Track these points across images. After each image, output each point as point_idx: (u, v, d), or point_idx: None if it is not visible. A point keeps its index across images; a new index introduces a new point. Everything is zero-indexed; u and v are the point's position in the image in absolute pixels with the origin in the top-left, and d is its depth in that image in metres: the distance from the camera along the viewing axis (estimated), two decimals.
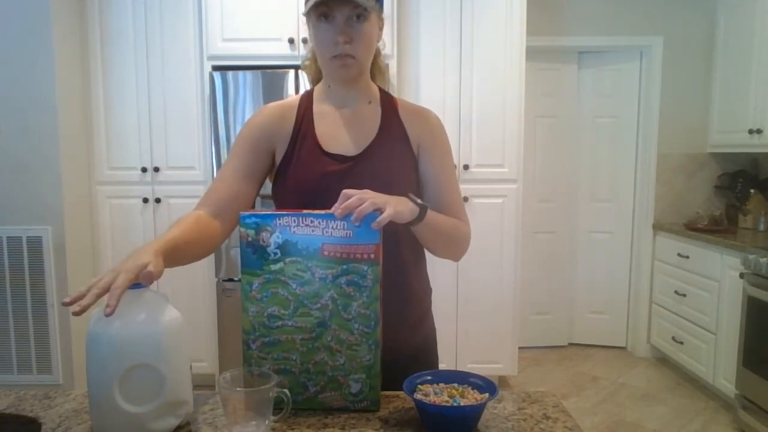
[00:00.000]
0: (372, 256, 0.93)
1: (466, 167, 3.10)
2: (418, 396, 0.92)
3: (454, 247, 1.19)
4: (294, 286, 0.94)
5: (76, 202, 2.98)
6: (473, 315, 3.17)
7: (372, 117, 1.19)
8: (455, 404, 0.89)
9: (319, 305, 0.94)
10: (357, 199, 0.92)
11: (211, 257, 3.03)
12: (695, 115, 3.75)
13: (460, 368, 3.18)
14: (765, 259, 2.63)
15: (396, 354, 1.12)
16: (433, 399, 0.91)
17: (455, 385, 0.96)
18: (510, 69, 3.06)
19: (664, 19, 3.70)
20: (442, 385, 0.96)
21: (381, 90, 1.25)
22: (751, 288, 2.71)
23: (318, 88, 1.23)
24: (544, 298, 3.99)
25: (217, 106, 2.90)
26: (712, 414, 3.01)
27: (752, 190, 3.47)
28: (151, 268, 0.83)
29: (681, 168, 3.78)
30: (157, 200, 3.09)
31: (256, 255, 0.95)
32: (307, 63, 1.26)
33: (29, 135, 2.81)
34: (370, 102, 1.21)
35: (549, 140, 3.92)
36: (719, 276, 3.04)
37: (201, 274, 3.07)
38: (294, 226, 0.93)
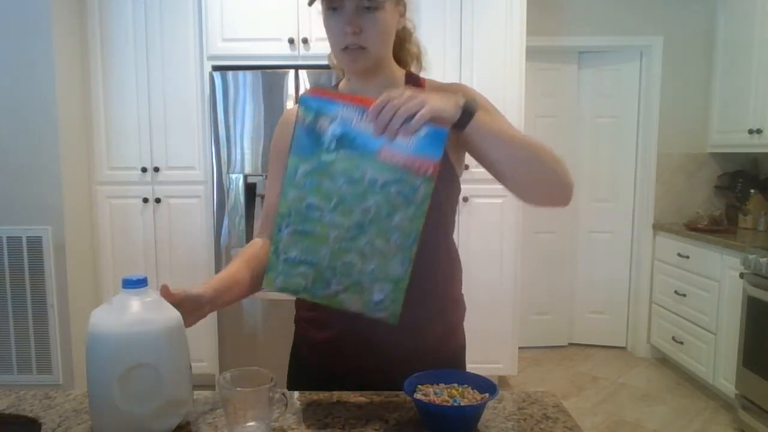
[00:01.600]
0: (429, 171, 0.87)
1: (466, 167, 3.09)
2: (418, 396, 0.92)
3: (540, 169, 1.00)
4: (341, 181, 0.89)
5: (76, 202, 2.98)
6: (473, 315, 3.15)
7: None
8: (455, 404, 0.89)
9: (362, 207, 0.89)
10: (390, 108, 0.85)
11: (211, 257, 3.03)
12: (695, 115, 3.74)
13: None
14: (765, 259, 2.63)
15: (416, 365, 1.01)
16: (433, 399, 0.91)
17: (455, 385, 0.96)
18: (510, 69, 3.06)
19: (664, 19, 3.70)
20: (442, 385, 0.96)
21: (408, 75, 1.17)
22: (751, 288, 2.71)
23: (343, 82, 1.19)
24: (544, 298, 3.99)
25: (217, 106, 2.90)
26: (712, 414, 3.01)
27: (752, 190, 3.47)
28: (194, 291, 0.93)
29: (681, 168, 3.78)
30: (157, 200, 3.09)
31: (310, 140, 0.88)
32: (332, 56, 1.18)
33: (29, 135, 2.81)
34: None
35: (549, 140, 3.89)
36: (719, 276, 3.04)
37: (201, 274, 3.06)
38: (357, 121, 0.87)
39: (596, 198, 4.00)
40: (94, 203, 3.11)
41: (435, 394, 0.93)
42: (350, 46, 1.03)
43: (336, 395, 1.04)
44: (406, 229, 0.89)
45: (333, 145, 0.87)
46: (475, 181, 3.12)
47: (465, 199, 3.11)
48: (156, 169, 3.08)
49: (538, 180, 1.02)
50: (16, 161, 2.81)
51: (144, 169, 3.08)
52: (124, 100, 3.06)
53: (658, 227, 3.73)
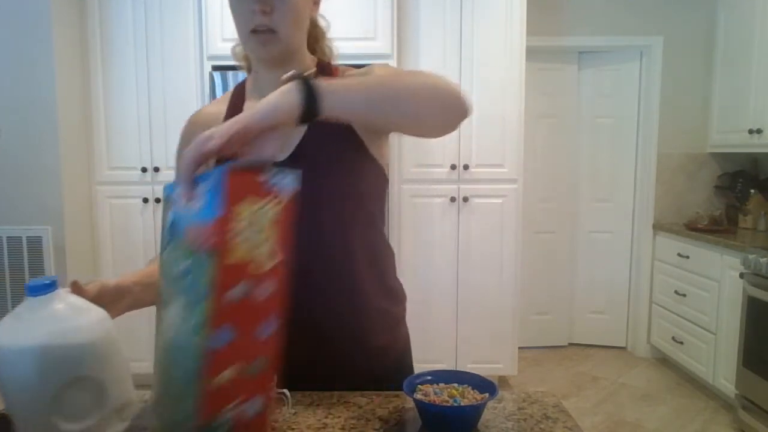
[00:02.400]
0: (207, 243, 0.61)
1: (466, 167, 3.10)
2: (418, 396, 0.92)
3: (414, 105, 0.84)
4: (163, 282, 0.70)
5: (76, 202, 2.98)
6: (473, 315, 3.17)
7: None
8: (455, 404, 0.89)
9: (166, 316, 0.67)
10: (181, 162, 0.67)
11: None
12: (695, 115, 3.75)
13: (460, 368, 3.18)
14: (765, 259, 2.63)
15: (368, 381, 1.01)
16: (433, 399, 0.91)
17: (455, 385, 0.96)
18: (510, 69, 3.06)
19: (664, 19, 3.70)
20: (442, 385, 0.96)
21: (320, 65, 1.05)
22: (751, 288, 2.71)
23: (249, 78, 1.08)
24: (544, 298, 3.99)
25: None
26: (712, 414, 3.01)
27: (752, 190, 3.47)
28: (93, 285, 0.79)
29: (681, 168, 3.78)
30: (157, 200, 3.09)
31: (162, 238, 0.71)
32: (237, 49, 1.08)
33: (29, 135, 2.81)
34: None
35: (549, 140, 3.92)
36: (719, 276, 3.04)
37: None
38: (184, 199, 0.66)
39: (596, 198, 4.00)
40: (94, 203, 3.12)
41: (435, 393, 0.93)
42: (259, 27, 0.93)
43: (336, 395, 1.04)
44: (180, 348, 0.64)
45: (167, 237, 0.69)
46: (475, 181, 3.13)
47: (465, 199, 3.11)
48: (156, 169, 3.08)
49: (411, 116, 0.85)
50: (16, 161, 2.81)
51: (144, 169, 3.08)
52: (124, 100, 3.06)
53: (658, 227, 3.73)
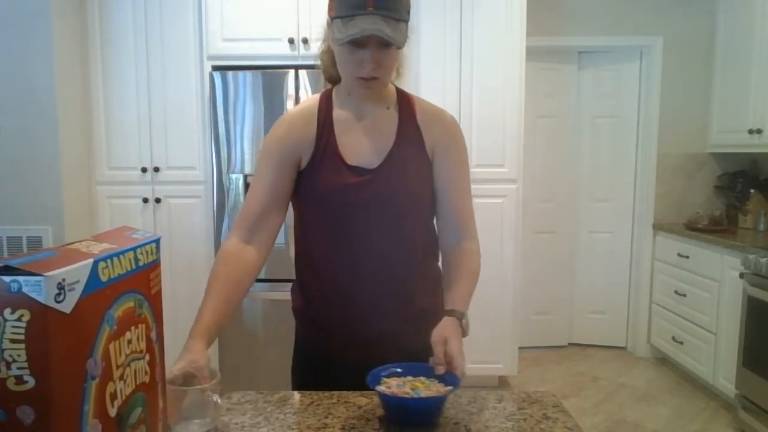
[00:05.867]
0: None
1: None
2: (380, 388, 0.94)
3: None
4: None
5: (76, 202, 2.98)
6: (473, 315, 3.15)
7: (390, 123, 1.20)
8: (415, 396, 0.91)
9: None
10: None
11: (211, 257, 3.03)
12: (695, 115, 3.74)
13: None
14: (765, 259, 2.63)
15: (407, 349, 1.10)
16: (394, 391, 0.93)
17: (422, 378, 0.98)
18: (510, 69, 3.06)
19: (664, 19, 3.70)
20: (410, 377, 0.98)
21: (398, 91, 1.24)
22: (751, 288, 2.71)
23: (337, 90, 1.22)
24: (544, 298, 3.99)
25: (217, 106, 2.90)
26: (712, 414, 3.01)
27: (752, 190, 3.47)
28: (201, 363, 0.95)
29: (681, 168, 3.78)
30: (157, 200, 3.09)
31: None
32: (324, 57, 1.21)
33: (29, 135, 2.81)
34: (388, 108, 1.21)
35: (549, 140, 3.92)
36: (719, 276, 3.04)
37: (201, 274, 3.06)
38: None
39: (596, 198, 4.00)
40: (94, 203, 3.11)
41: (398, 386, 0.95)
42: (367, 76, 1.09)
43: (336, 395, 1.04)
44: None
45: None
46: (475, 181, 3.11)
47: None
48: (156, 169, 3.08)
49: None
50: (16, 161, 2.81)
51: (144, 169, 3.08)
52: (124, 100, 3.06)
53: (658, 227, 3.72)
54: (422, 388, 0.94)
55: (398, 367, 1.01)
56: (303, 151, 1.17)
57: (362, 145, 1.17)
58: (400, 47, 1.08)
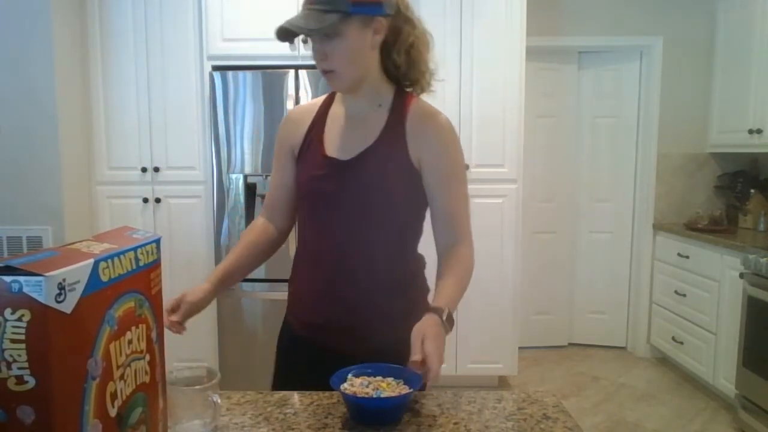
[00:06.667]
0: None
1: (466, 167, 3.10)
2: (344, 386, 0.96)
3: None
4: None
5: (76, 202, 2.98)
6: (473, 315, 3.17)
7: (377, 122, 1.19)
8: (375, 396, 0.92)
9: None
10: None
11: (211, 257, 3.03)
12: (695, 115, 3.74)
13: (460, 368, 3.18)
14: (765, 259, 2.63)
15: (373, 347, 1.12)
16: (356, 391, 0.94)
17: (390, 379, 0.99)
18: (510, 69, 3.06)
19: (664, 19, 3.70)
20: (379, 378, 0.99)
21: (398, 92, 1.22)
22: (751, 288, 2.71)
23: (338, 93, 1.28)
24: (544, 298, 3.99)
25: (217, 106, 2.90)
26: (712, 414, 3.01)
27: (752, 190, 3.47)
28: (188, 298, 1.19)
29: (681, 168, 3.78)
30: (157, 200, 3.09)
31: None
32: None
33: (29, 135, 2.81)
34: (380, 106, 1.20)
35: (549, 140, 3.92)
36: (719, 276, 3.04)
37: (201, 274, 3.07)
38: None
39: (596, 198, 4.00)
40: (94, 203, 3.11)
41: (361, 385, 0.96)
42: (322, 69, 1.15)
43: (336, 395, 1.04)
44: None
45: None
46: (475, 181, 3.12)
47: None
48: (156, 169, 3.08)
49: None
50: (16, 161, 2.81)
51: (144, 169, 3.08)
52: (124, 100, 3.06)
53: (658, 227, 3.72)
54: (385, 388, 0.95)
55: (369, 368, 1.02)
56: (295, 144, 1.26)
57: (345, 139, 1.20)
58: (337, 33, 1.08)
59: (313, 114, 1.25)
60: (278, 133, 1.31)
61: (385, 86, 1.21)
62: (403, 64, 1.20)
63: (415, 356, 0.96)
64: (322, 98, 1.29)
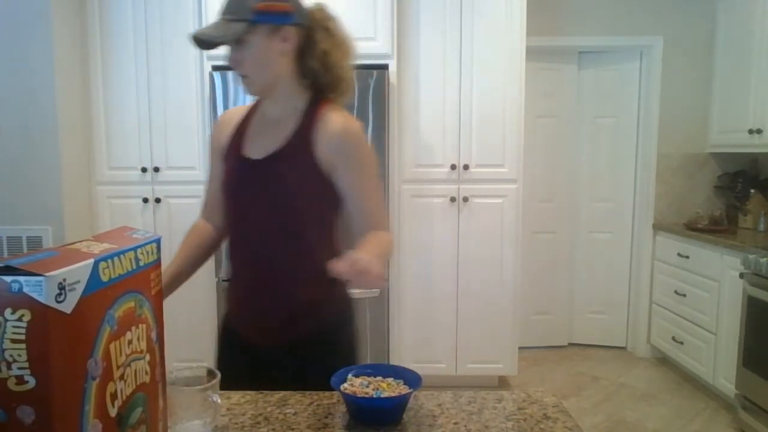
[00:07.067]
0: None
1: (466, 167, 3.10)
2: (344, 387, 0.96)
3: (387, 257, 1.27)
4: None
5: (76, 202, 2.98)
6: (473, 315, 3.17)
7: (290, 125, 1.26)
8: (375, 396, 0.92)
9: None
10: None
11: (212, 257, 3.02)
12: (695, 115, 3.74)
13: (460, 368, 3.18)
14: (765, 259, 2.63)
15: (288, 338, 1.24)
16: (356, 390, 0.95)
17: (390, 379, 0.99)
18: (510, 69, 3.06)
19: (664, 19, 3.70)
20: (379, 378, 1.00)
21: (314, 98, 1.27)
22: (751, 288, 2.71)
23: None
24: (544, 298, 3.99)
25: (216, 106, 2.90)
26: (712, 414, 3.01)
27: (752, 190, 3.47)
28: None
29: (681, 168, 3.78)
30: (157, 200, 3.09)
31: None
32: None
33: (29, 135, 2.81)
34: (295, 109, 1.27)
35: (549, 140, 3.92)
36: (719, 276, 3.04)
37: (201, 273, 3.06)
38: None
39: (596, 198, 4.00)
40: (94, 203, 3.11)
41: (361, 385, 0.96)
42: (238, 74, 1.23)
43: (336, 395, 1.04)
44: None
45: None
46: (475, 181, 3.12)
47: (465, 199, 3.11)
48: (156, 169, 3.08)
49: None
50: (16, 161, 2.81)
51: (144, 169, 3.08)
52: (124, 100, 3.06)
53: (658, 227, 3.73)
54: (385, 388, 0.95)
55: (369, 368, 1.03)
56: (223, 145, 1.33)
57: (260, 140, 1.27)
58: (243, 41, 1.16)
59: (241, 116, 1.33)
60: (211, 135, 1.41)
61: (301, 91, 1.27)
62: (318, 70, 1.25)
63: (344, 259, 0.98)
64: (250, 105, 1.37)
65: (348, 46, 1.28)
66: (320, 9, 1.27)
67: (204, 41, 1.17)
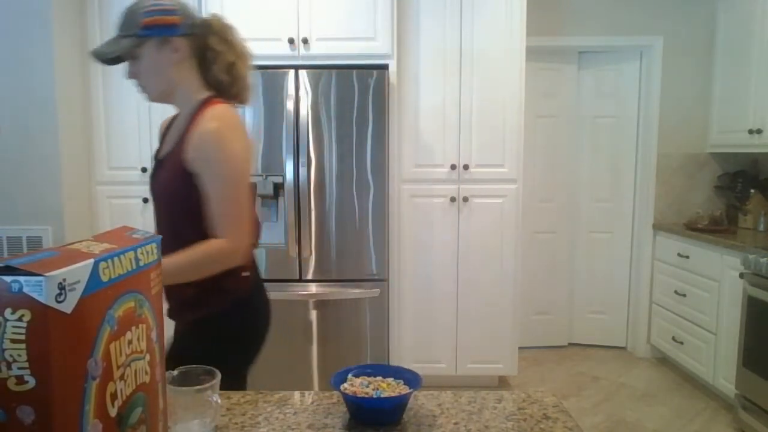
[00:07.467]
0: None
1: (466, 167, 3.10)
2: (344, 386, 0.96)
3: (209, 270, 1.29)
4: None
5: (76, 202, 2.98)
6: (473, 315, 3.17)
7: (181, 129, 1.34)
8: (375, 396, 0.93)
9: None
10: None
11: None
12: (695, 115, 3.74)
13: (460, 368, 3.18)
14: (765, 259, 2.63)
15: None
16: (355, 390, 0.95)
17: (390, 379, 0.99)
18: (510, 69, 3.06)
19: (664, 19, 3.70)
20: (379, 378, 1.00)
21: (204, 101, 1.34)
22: (751, 288, 2.71)
23: None
24: (544, 298, 3.99)
25: None
26: (712, 414, 3.01)
27: (752, 190, 3.47)
28: None
29: (681, 168, 3.78)
30: None
31: None
32: None
33: (29, 135, 2.80)
34: (189, 114, 1.35)
35: (549, 140, 3.92)
36: (719, 276, 3.04)
37: None
38: None
39: (596, 198, 4.00)
40: (94, 203, 3.11)
41: (361, 385, 0.96)
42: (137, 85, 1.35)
43: (336, 395, 1.04)
44: None
45: None
46: (475, 181, 3.13)
47: (465, 199, 3.11)
48: None
49: (206, 274, 1.30)
50: (16, 161, 2.81)
51: (144, 169, 3.08)
52: (124, 100, 3.06)
53: (658, 227, 3.73)
54: (385, 388, 0.96)
55: (369, 368, 1.03)
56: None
57: (167, 142, 1.39)
58: (134, 57, 1.28)
59: (170, 121, 1.46)
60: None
61: (196, 97, 1.35)
62: (225, 81, 1.36)
63: None
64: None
65: (247, 54, 1.39)
66: (217, 19, 1.36)
67: (99, 57, 1.26)
